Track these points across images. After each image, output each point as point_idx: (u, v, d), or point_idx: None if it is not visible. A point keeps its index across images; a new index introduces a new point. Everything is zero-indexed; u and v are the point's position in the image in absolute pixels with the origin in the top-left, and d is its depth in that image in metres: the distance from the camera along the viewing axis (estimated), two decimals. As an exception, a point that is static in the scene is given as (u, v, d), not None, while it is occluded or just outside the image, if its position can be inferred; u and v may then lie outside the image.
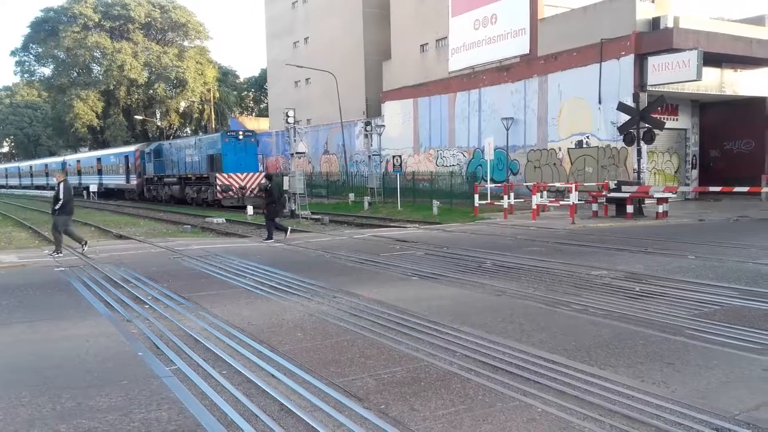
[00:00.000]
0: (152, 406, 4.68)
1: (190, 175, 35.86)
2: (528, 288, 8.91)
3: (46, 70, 73.06)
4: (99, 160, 52.52)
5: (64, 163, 59.87)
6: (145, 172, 42.86)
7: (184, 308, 8.04)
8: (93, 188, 51.85)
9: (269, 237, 16.39)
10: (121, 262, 12.47)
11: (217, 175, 31.88)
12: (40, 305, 8.54)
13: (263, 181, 18.16)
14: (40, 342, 6.64)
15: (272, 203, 16.72)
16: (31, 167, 72.85)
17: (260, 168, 33.29)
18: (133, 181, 44.75)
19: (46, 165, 66.43)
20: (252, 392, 4.93)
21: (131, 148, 46.68)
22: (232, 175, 31.93)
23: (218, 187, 31.71)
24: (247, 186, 32.22)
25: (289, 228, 17.21)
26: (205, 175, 33.84)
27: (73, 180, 56.26)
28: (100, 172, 51.97)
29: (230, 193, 31.76)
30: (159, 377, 5.34)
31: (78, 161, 58.10)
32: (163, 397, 4.87)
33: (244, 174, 32.28)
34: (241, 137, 32.99)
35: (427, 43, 39.16)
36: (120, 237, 19.51)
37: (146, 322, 7.32)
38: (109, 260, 12.76)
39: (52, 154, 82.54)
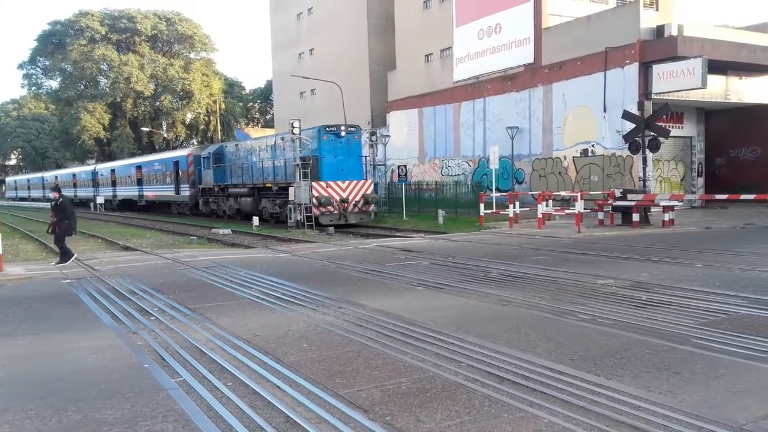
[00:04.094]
0: (158, 418, 4.68)
1: (268, 185, 28.63)
2: (534, 297, 8.89)
3: (53, 83, 73.65)
4: (139, 168, 45.77)
5: (95, 172, 55.87)
6: (200, 181, 35.97)
7: (190, 319, 8.05)
8: (99, 200, 51.01)
9: (63, 258, 14.52)
10: (127, 273, 12.50)
11: (313, 183, 24.89)
12: (47, 317, 8.56)
13: (52, 195, 14.97)
14: (46, 354, 6.66)
15: (64, 220, 14.54)
16: (56, 178, 67.81)
17: (365, 175, 26.60)
18: (185, 192, 37.87)
19: (74, 175, 62.79)
20: (257, 404, 4.92)
21: (182, 153, 40.43)
22: (331, 183, 25.07)
23: (314, 200, 24.79)
24: (351, 198, 25.37)
25: (75, 255, 14.95)
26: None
27: (107, 191, 52.06)
28: (140, 181, 45.57)
29: (329, 207, 24.94)
30: (165, 389, 5.34)
31: (112, 170, 51.81)
32: (169, 409, 4.87)
33: (347, 182, 25.39)
34: (342, 134, 25.80)
35: (431, 53, 39.27)
36: (126, 248, 19.57)
37: (152, 334, 7.34)
38: (116, 272, 12.79)
39: (59, 166, 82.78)
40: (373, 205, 26.46)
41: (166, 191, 41.03)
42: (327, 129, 25.82)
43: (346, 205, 25.26)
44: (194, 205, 37.09)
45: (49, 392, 5.35)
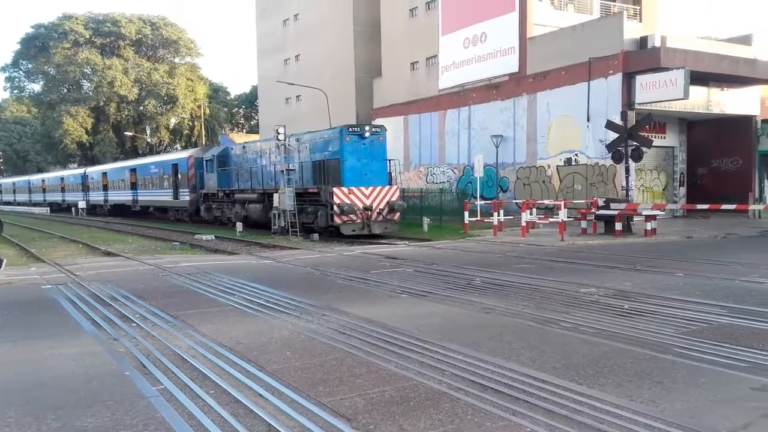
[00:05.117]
0: (138, 426, 4.63)
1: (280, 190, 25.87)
2: (517, 305, 8.91)
3: (36, 86, 72.93)
4: (133, 171, 42.91)
5: (84, 176, 53.12)
6: (203, 186, 33.20)
7: (172, 326, 7.99)
8: (81, 204, 50.31)
9: None
10: (108, 279, 12.38)
11: (334, 189, 22.58)
12: (26, 324, 8.45)
13: None
14: (25, 361, 6.57)
15: None
16: (43, 181, 66.15)
17: (389, 180, 24.27)
18: (185, 198, 35.19)
19: (62, 179, 59.86)
20: (240, 412, 4.88)
21: (182, 155, 37.77)
22: (354, 189, 22.67)
23: (336, 208, 22.38)
24: (374, 206, 22.82)
25: (4, 261, 14.06)
26: (311, 190, 24.11)
27: (98, 195, 49.68)
28: (134, 186, 42.78)
29: (352, 216, 22.49)
30: (146, 397, 5.29)
31: (104, 173, 48.76)
32: (150, 417, 4.82)
33: (370, 189, 22.93)
34: (366, 135, 23.57)
35: (417, 61, 39.40)
36: (108, 254, 19.36)
37: (133, 341, 7.26)
38: (97, 278, 12.66)
39: (40, 170, 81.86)
40: (398, 213, 24.09)
41: (163, 196, 38.31)
42: (350, 129, 23.62)
43: (369, 213, 22.81)
44: (195, 212, 34.58)
45: (28, 400, 5.28)
